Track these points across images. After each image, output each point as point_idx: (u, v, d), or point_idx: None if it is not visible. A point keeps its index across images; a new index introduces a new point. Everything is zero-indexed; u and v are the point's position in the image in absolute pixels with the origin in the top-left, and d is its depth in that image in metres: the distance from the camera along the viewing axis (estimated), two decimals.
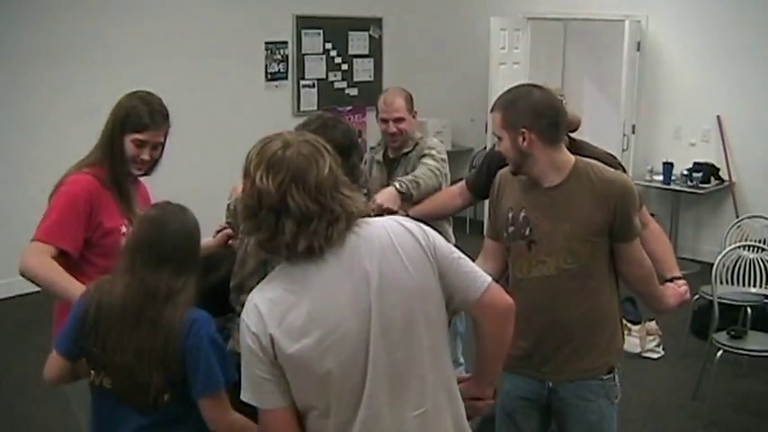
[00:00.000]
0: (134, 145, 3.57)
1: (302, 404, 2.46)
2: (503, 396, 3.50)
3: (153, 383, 2.90)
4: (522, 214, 3.36)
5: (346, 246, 2.44)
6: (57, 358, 3.13)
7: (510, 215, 3.40)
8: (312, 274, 2.42)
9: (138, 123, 3.57)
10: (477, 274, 2.60)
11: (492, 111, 3.38)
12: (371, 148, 9.75)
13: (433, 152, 4.82)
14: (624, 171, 4.13)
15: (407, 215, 4.41)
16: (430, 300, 2.52)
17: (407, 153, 4.95)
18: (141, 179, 3.80)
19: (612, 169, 3.45)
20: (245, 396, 2.46)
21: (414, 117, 5.04)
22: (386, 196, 4.35)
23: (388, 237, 2.48)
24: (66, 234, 3.46)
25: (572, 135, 4.08)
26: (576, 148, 3.72)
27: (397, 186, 4.37)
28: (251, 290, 3.32)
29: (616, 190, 3.30)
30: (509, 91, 3.40)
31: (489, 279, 2.61)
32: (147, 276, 2.94)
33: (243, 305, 3.35)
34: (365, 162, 5.18)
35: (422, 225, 2.59)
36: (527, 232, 3.35)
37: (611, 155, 4.21)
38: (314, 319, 2.39)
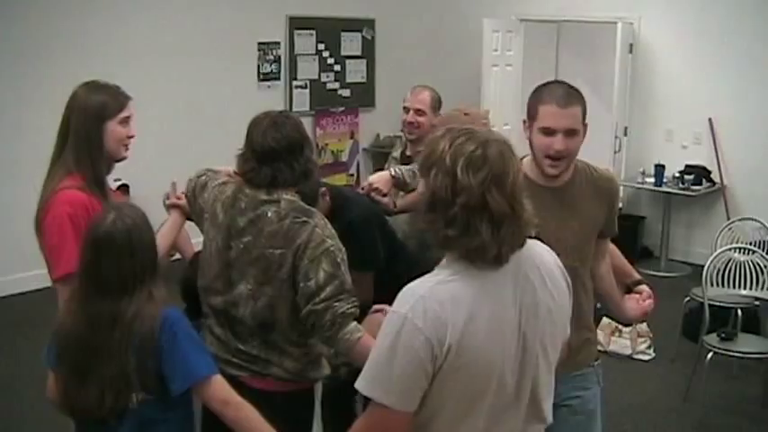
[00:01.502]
0: (121, 126, 3.53)
1: (449, 412, 2.36)
2: None
3: (123, 390, 2.86)
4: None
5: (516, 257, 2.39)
6: (53, 376, 3.09)
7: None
8: (492, 281, 2.34)
9: (116, 105, 3.54)
10: None
11: (570, 105, 3.22)
12: (364, 150, 9.74)
13: None
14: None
15: (395, 204, 4.43)
16: (558, 330, 2.54)
17: (420, 151, 4.93)
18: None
19: (598, 165, 3.49)
20: (377, 395, 2.30)
21: (436, 118, 5.02)
22: (378, 178, 4.34)
23: (551, 257, 2.55)
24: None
25: None
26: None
27: (392, 172, 4.36)
28: (217, 292, 3.34)
29: (612, 186, 3.39)
30: (568, 85, 3.31)
31: None
32: (97, 307, 2.89)
33: (211, 306, 3.37)
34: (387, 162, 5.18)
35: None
36: (533, 234, 3.30)
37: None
38: (491, 330, 2.31)
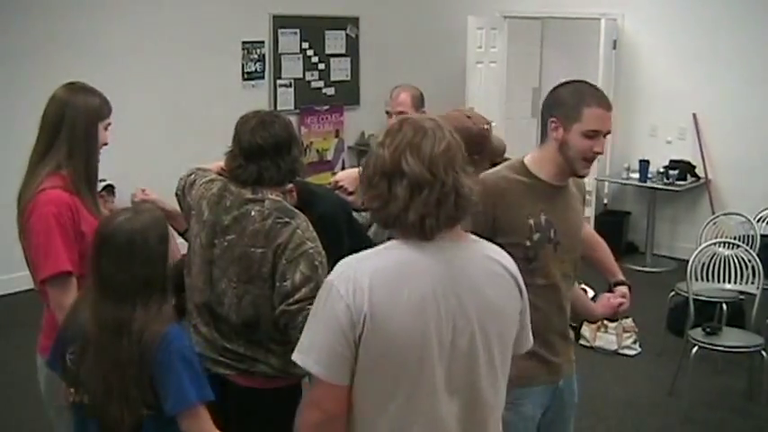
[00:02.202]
0: (104, 130, 3.58)
1: (375, 389, 2.39)
2: (523, 421, 3.39)
3: (129, 402, 2.84)
4: (544, 217, 3.27)
5: (459, 240, 2.47)
6: (59, 379, 3.08)
7: (531, 222, 3.25)
8: (422, 263, 2.39)
9: (107, 109, 3.59)
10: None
11: (608, 107, 3.34)
12: (349, 148, 9.75)
13: None
14: None
15: (362, 202, 4.42)
16: (504, 324, 2.54)
17: None
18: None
19: None
20: (308, 364, 2.35)
21: None
22: (345, 176, 4.32)
23: (506, 261, 2.56)
24: (70, 257, 3.39)
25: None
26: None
27: (360, 170, 4.35)
28: (199, 290, 3.37)
29: (583, 184, 3.52)
30: (592, 85, 3.44)
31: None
32: (104, 312, 2.87)
33: (195, 304, 3.38)
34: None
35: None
36: (552, 234, 3.28)
37: None
38: (411, 307, 2.35)
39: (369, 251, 2.46)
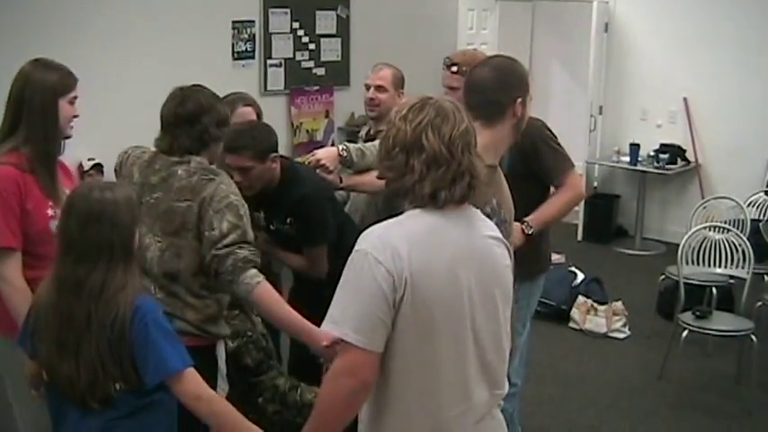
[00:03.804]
0: (70, 104, 3.58)
1: (411, 353, 2.48)
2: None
3: (100, 374, 2.84)
4: (494, 199, 3.22)
5: (470, 212, 2.61)
6: (28, 359, 3.09)
7: (488, 209, 3.14)
8: (446, 230, 2.52)
9: (69, 82, 3.60)
10: None
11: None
12: (339, 128, 9.70)
13: None
14: (552, 134, 4.27)
15: (341, 180, 4.41)
16: (509, 286, 2.70)
17: (381, 131, 4.89)
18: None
19: None
20: (345, 333, 2.40)
21: (399, 96, 4.97)
22: (326, 154, 4.35)
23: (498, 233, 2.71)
24: (12, 232, 3.41)
25: None
26: None
27: (340, 149, 4.36)
28: (186, 279, 3.47)
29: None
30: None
31: None
32: (64, 270, 2.89)
33: (174, 294, 3.45)
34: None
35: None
36: (502, 215, 3.23)
37: (537, 118, 4.18)
38: (445, 273, 2.47)
39: (392, 220, 2.54)
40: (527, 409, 5.16)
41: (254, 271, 3.39)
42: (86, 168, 6.54)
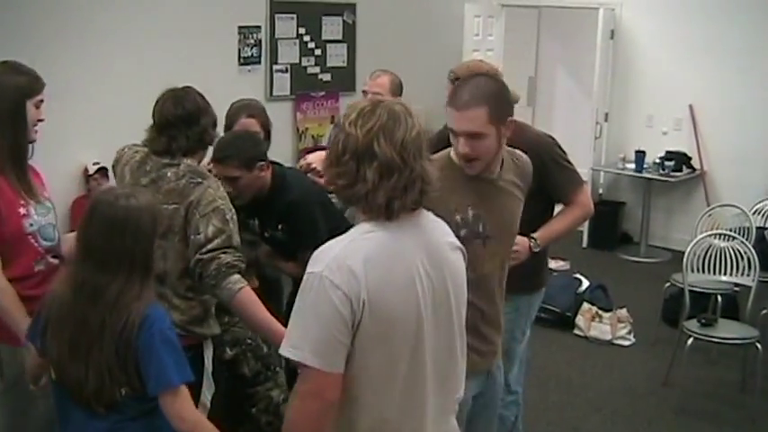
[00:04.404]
0: (35, 108, 3.59)
1: (375, 370, 2.45)
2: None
3: (107, 380, 2.86)
4: (471, 212, 3.22)
5: (422, 218, 2.56)
6: (35, 353, 3.10)
7: (458, 218, 3.18)
8: (401, 243, 2.47)
9: (36, 85, 3.60)
10: None
11: (468, 107, 3.12)
12: None
13: None
14: (562, 151, 4.22)
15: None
16: (464, 293, 2.68)
17: None
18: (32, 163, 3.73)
19: (518, 151, 3.47)
20: (304, 357, 2.35)
21: None
22: (316, 158, 4.38)
23: (449, 231, 2.70)
24: None
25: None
26: (518, 127, 3.69)
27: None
28: (172, 281, 3.51)
29: (529, 170, 3.45)
30: (476, 84, 3.20)
31: None
32: (82, 275, 2.90)
33: (161, 296, 3.42)
34: None
35: None
36: (481, 229, 3.23)
37: (549, 135, 4.23)
38: (403, 289, 2.44)
39: (344, 236, 2.47)
40: (531, 416, 5.15)
41: (237, 276, 3.42)
42: (91, 172, 6.55)
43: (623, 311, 7.18)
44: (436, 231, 2.61)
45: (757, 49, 8.98)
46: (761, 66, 8.98)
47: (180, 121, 3.56)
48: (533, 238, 3.97)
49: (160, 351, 2.85)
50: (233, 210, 3.55)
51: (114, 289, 2.85)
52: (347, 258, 2.37)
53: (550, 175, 4.05)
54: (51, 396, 3.08)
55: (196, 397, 3.61)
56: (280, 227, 4.21)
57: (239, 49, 8.42)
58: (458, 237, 3.06)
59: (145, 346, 2.84)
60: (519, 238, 3.66)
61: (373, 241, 2.43)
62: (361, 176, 2.40)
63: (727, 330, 5.90)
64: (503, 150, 3.29)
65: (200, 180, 3.53)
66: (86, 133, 6.54)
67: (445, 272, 2.56)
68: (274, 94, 8.57)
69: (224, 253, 3.41)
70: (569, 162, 4.23)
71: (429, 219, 2.61)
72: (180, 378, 2.88)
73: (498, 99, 3.17)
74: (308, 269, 2.41)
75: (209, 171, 3.81)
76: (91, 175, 6.56)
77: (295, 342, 2.38)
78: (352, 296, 2.34)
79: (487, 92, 3.16)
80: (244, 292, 3.40)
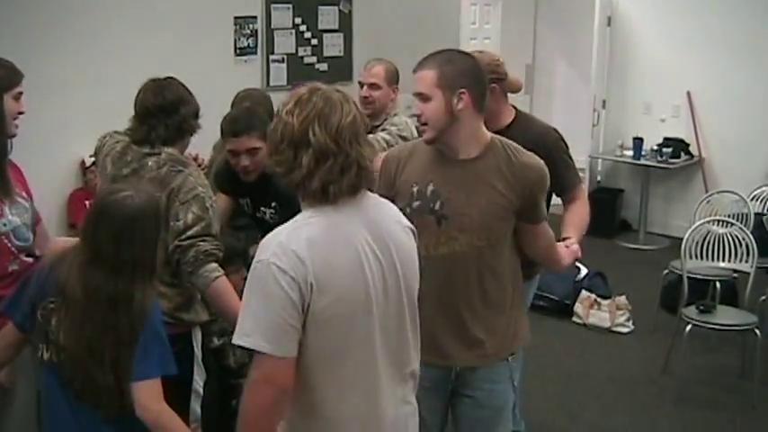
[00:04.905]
0: (14, 100, 3.56)
1: (326, 353, 2.51)
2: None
3: (115, 369, 2.88)
4: (431, 188, 3.23)
5: (365, 200, 2.61)
6: (11, 329, 3.08)
7: (414, 189, 3.25)
8: (343, 226, 2.53)
9: (15, 78, 3.58)
10: None
11: (420, 69, 3.23)
12: None
13: (393, 128, 4.79)
14: (566, 146, 4.16)
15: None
16: (415, 271, 2.73)
17: (377, 126, 4.87)
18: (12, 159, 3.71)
19: (528, 152, 3.33)
20: (257, 344, 2.39)
21: (394, 92, 4.97)
22: None
23: (398, 215, 2.76)
24: None
25: (516, 107, 4.20)
26: (521, 119, 3.69)
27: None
28: (158, 269, 3.42)
29: (532, 176, 3.26)
30: (439, 52, 3.28)
31: None
32: (94, 281, 2.91)
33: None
34: None
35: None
36: (437, 207, 3.22)
37: (555, 129, 4.21)
38: (350, 271, 2.50)
39: (287, 224, 2.54)
40: (530, 405, 5.16)
41: (214, 265, 3.45)
42: (88, 165, 6.54)
43: (622, 299, 7.18)
44: (381, 212, 2.67)
45: (754, 35, 8.96)
46: (758, 51, 8.96)
47: (159, 110, 3.59)
48: (567, 244, 3.75)
49: (148, 343, 2.88)
50: (213, 197, 3.59)
51: (139, 298, 2.89)
52: (291, 243, 2.43)
53: (556, 170, 3.98)
54: (44, 379, 3.06)
55: (188, 385, 3.63)
56: (273, 205, 4.18)
57: (235, 40, 8.40)
58: (409, 208, 3.19)
59: (141, 340, 2.88)
60: (564, 250, 3.61)
61: (315, 226, 2.49)
62: (298, 163, 2.47)
63: (726, 317, 5.90)
64: (477, 132, 3.24)
65: (181, 168, 3.56)
66: (83, 126, 6.51)
67: (393, 250, 2.61)
68: (271, 84, 8.55)
69: (203, 241, 3.44)
70: (571, 158, 4.23)
71: (373, 201, 2.67)
72: (160, 371, 2.89)
73: (455, 68, 3.18)
74: (256, 258, 2.47)
75: (195, 160, 3.87)
76: (88, 168, 6.55)
77: (247, 329, 2.42)
78: (299, 280, 2.39)
79: (445, 59, 3.23)
80: (220, 281, 3.44)
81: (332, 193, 2.49)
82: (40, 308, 2.96)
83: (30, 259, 3.58)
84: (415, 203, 3.23)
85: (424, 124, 3.22)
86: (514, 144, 3.32)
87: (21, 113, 3.61)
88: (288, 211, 4.02)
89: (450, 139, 3.21)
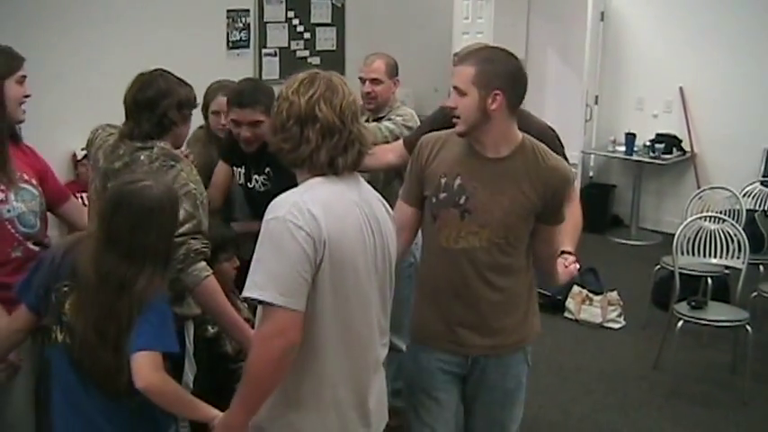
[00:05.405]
0: (18, 84, 3.56)
1: (327, 315, 2.63)
2: (417, 372, 3.49)
3: (121, 353, 2.88)
4: (458, 182, 3.28)
5: (358, 177, 2.80)
6: (23, 312, 3.09)
7: (442, 181, 3.30)
8: (345, 195, 2.70)
9: (14, 62, 3.57)
10: None
11: (461, 63, 3.29)
12: None
13: (398, 118, 4.79)
14: (561, 144, 4.14)
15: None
16: (394, 245, 2.91)
17: (381, 118, 4.88)
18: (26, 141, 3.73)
19: (555, 155, 3.40)
20: (271, 297, 2.49)
21: (395, 84, 4.98)
22: None
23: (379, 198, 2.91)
24: None
25: None
26: (518, 115, 3.65)
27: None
28: None
29: (557, 179, 3.30)
30: (482, 49, 3.38)
31: None
32: (106, 265, 2.93)
33: None
34: None
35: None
36: (461, 201, 3.26)
37: (551, 127, 4.19)
38: (355, 235, 2.67)
39: (297, 188, 2.68)
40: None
41: (203, 264, 3.46)
42: (80, 158, 6.52)
43: (614, 294, 7.19)
44: (369, 192, 2.84)
45: (747, 31, 8.97)
46: (751, 47, 8.97)
47: (140, 106, 3.59)
48: (566, 256, 3.73)
49: (151, 317, 2.89)
50: (204, 193, 3.60)
51: (141, 284, 2.91)
52: (306, 203, 2.56)
53: None
54: (50, 359, 3.09)
55: (179, 378, 3.62)
56: (267, 170, 4.19)
57: (228, 33, 8.39)
58: (435, 198, 3.28)
59: (144, 316, 2.89)
60: (562, 268, 3.60)
61: (327, 190, 2.65)
62: (305, 138, 2.64)
63: (718, 313, 5.91)
64: (508, 132, 3.28)
65: (173, 163, 3.55)
66: (74, 119, 6.50)
67: (381, 226, 2.78)
68: (264, 77, 8.54)
69: (193, 239, 3.43)
70: (566, 157, 4.21)
71: (362, 181, 2.85)
72: (159, 345, 2.88)
73: (493, 68, 3.20)
74: (268, 217, 2.57)
75: (187, 157, 3.82)
76: (79, 161, 6.53)
77: (260, 284, 2.51)
78: (314, 236, 2.52)
79: (486, 57, 3.25)
80: (210, 280, 3.45)
81: (339, 165, 2.66)
82: (54, 290, 2.99)
83: (36, 248, 3.56)
84: (442, 195, 3.30)
85: (457, 117, 3.26)
86: (544, 147, 3.36)
87: (27, 97, 3.60)
88: (280, 178, 4.04)
89: (481, 135, 3.26)
